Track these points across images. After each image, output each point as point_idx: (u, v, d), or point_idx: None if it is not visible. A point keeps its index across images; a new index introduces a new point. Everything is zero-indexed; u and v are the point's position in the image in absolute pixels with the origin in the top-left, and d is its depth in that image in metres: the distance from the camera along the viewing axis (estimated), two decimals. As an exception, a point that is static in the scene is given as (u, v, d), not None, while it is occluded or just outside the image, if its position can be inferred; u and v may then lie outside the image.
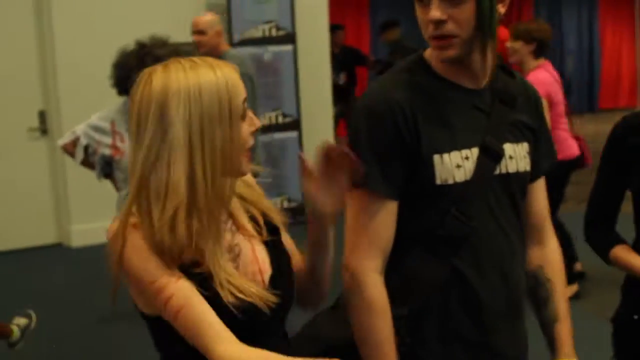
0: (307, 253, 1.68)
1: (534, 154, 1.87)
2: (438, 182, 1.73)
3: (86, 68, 6.28)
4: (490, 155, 1.76)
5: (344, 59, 9.40)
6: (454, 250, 1.77)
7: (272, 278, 1.58)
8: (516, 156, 1.81)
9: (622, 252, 2.19)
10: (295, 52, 6.89)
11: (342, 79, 9.43)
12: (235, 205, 1.59)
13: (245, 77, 5.40)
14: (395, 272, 1.77)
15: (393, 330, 1.74)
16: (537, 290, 1.91)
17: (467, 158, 1.74)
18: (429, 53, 1.81)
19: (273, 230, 1.64)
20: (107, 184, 4.17)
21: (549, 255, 1.94)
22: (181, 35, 6.65)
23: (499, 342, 1.82)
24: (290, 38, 6.86)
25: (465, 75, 1.78)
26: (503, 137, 1.79)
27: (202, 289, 1.45)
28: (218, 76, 1.47)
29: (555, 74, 4.85)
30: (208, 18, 4.91)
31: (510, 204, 1.82)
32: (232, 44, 6.62)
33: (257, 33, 6.75)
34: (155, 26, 6.50)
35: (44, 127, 6.55)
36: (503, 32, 5.27)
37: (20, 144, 6.51)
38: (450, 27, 1.67)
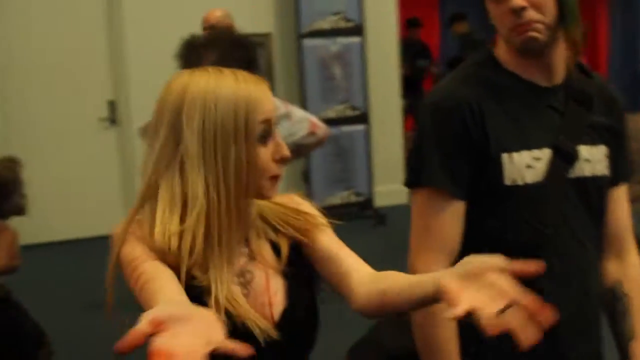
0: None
1: (613, 159, 1.74)
2: (507, 182, 1.63)
3: (156, 58, 6.28)
4: (564, 157, 1.66)
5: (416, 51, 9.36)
6: (525, 258, 1.64)
7: (284, 313, 1.45)
8: (593, 159, 1.70)
9: None
10: (363, 44, 6.80)
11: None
12: (255, 229, 1.49)
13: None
14: None
15: (457, 340, 1.66)
16: (614, 305, 1.80)
17: (538, 159, 1.64)
18: (498, 49, 1.72)
19: (299, 259, 1.51)
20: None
21: (628, 269, 1.82)
22: (250, 24, 6.67)
23: (573, 359, 1.71)
24: (358, 30, 6.77)
25: (538, 71, 1.68)
26: (578, 139, 1.68)
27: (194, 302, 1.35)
28: (239, 89, 1.37)
29: None
30: (219, 13, 4.88)
31: (586, 211, 1.71)
32: (300, 36, 6.58)
33: (325, 25, 6.69)
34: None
35: (113, 117, 6.59)
36: None
37: (90, 134, 6.57)
38: (531, 14, 1.59)
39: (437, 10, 12.78)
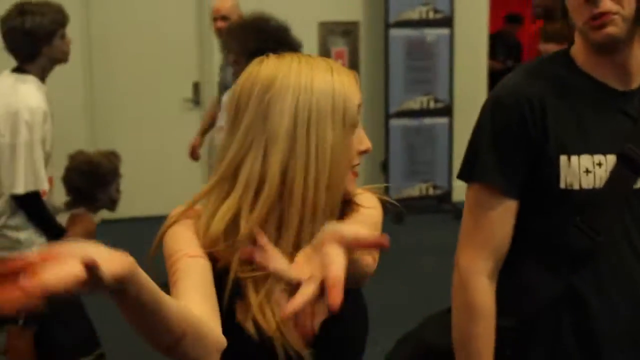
0: None
1: None
2: (562, 185, 1.57)
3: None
4: (630, 166, 1.57)
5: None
6: (574, 265, 1.59)
7: (325, 324, 1.32)
8: None
9: None
10: (451, 37, 6.71)
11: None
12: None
13: None
14: (508, 279, 1.63)
15: (494, 340, 1.61)
16: None
17: (599, 164, 1.56)
18: (574, 48, 1.64)
19: None
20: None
21: None
22: (338, 13, 6.67)
23: None
24: (447, 21, 6.68)
25: (613, 73, 1.59)
26: None
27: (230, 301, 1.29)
28: (334, 75, 1.32)
29: None
30: (230, 4, 4.85)
31: None
32: (388, 25, 6.53)
33: (414, 15, 6.62)
34: (312, 4, 6.56)
35: (197, 99, 6.67)
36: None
37: (174, 114, 6.66)
38: (608, 4, 1.50)
39: (531, 7, 12.54)
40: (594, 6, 1.50)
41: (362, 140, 1.36)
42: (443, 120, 6.72)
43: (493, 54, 7.76)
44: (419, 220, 6.25)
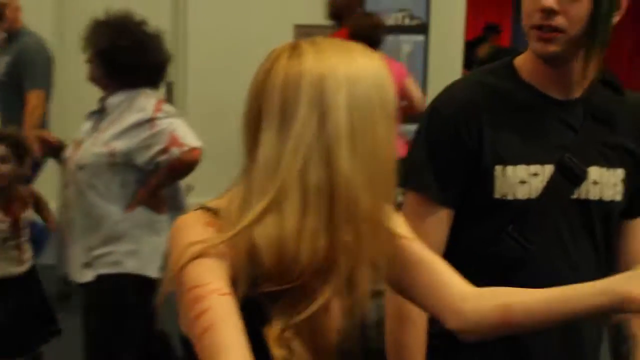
0: None
1: (635, 187, 1.64)
2: (496, 195, 1.57)
3: (217, 43, 6.34)
4: (568, 176, 1.57)
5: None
6: (507, 274, 1.58)
7: (343, 332, 1.26)
8: (603, 182, 1.60)
9: None
10: (426, 43, 6.71)
11: None
12: None
13: (43, 57, 5.24)
14: None
15: (425, 347, 1.63)
16: (617, 344, 1.71)
17: (535, 174, 1.56)
18: (521, 58, 1.64)
19: None
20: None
21: None
22: (312, 16, 6.64)
23: None
24: (423, 28, 6.69)
25: (555, 83, 1.59)
26: (590, 159, 1.59)
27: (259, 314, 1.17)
28: (376, 64, 1.20)
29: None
30: None
31: (587, 236, 1.62)
32: (363, 30, 6.52)
33: (389, 21, 6.62)
34: (287, 7, 6.54)
35: (170, 98, 6.63)
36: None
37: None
38: (560, 21, 1.50)
39: (510, 16, 12.60)
40: (547, 18, 1.51)
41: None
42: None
43: (469, 62, 7.77)
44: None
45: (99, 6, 3.30)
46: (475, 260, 1.62)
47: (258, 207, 1.16)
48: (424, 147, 1.63)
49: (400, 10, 6.64)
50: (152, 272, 2.99)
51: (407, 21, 6.67)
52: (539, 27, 1.53)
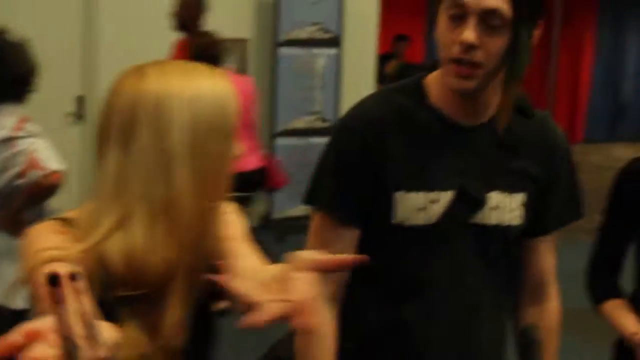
0: None
1: (537, 208, 1.67)
2: (395, 220, 1.58)
3: (129, 55, 6.25)
4: (467, 202, 1.59)
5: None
6: (404, 296, 1.62)
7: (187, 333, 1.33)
8: (503, 207, 1.62)
9: (612, 309, 2.07)
10: (340, 57, 6.76)
11: None
12: None
13: None
14: (348, 302, 1.66)
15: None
16: (524, 351, 1.76)
17: (435, 201, 1.57)
18: (430, 79, 1.64)
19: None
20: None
21: (546, 315, 1.78)
22: (228, 29, 6.62)
23: None
24: (336, 42, 6.73)
25: (463, 109, 1.60)
26: (491, 184, 1.60)
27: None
28: (218, 84, 1.28)
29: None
30: None
31: (485, 259, 1.64)
32: (277, 44, 6.53)
33: (303, 34, 6.65)
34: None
35: (80, 113, 6.52)
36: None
37: (55, 129, 6.50)
38: (479, 56, 1.48)
39: (423, 29, 12.79)
40: (467, 52, 1.49)
41: (237, 147, 1.33)
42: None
43: (382, 76, 7.85)
44: (303, 240, 6.26)
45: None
46: (377, 280, 1.65)
47: (106, 224, 1.22)
48: (330, 165, 1.62)
49: (314, 23, 6.67)
50: (16, 302, 2.64)
51: (320, 35, 6.70)
52: (457, 61, 1.50)
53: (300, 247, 1.46)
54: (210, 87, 1.26)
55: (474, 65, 1.49)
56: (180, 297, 1.28)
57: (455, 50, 1.49)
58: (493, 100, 1.60)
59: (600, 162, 11.85)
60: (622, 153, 12.78)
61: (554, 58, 13.47)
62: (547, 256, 1.77)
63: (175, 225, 1.24)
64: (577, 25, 13.60)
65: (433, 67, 1.65)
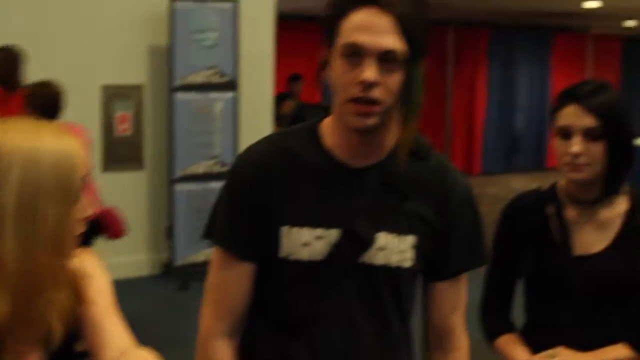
0: None
1: (435, 252, 1.69)
2: (281, 255, 1.63)
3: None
4: (354, 241, 1.61)
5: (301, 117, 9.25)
6: (293, 331, 1.65)
7: None
8: (391, 248, 1.63)
9: (505, 343, 2.13)
10: (236, 100, 6.75)
11: None
12: None
13: None
14: (245, 336, 1.71)
15: None
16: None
17: (320, 238, 1.61)
18: (325, 123, 1.68)
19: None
20: None
21: None
22: (122, 75, 6.55)
23: None
24: (232, 85, 6.73)
25: (356, 151, 1.63)
26: (379, 225, 1.62)
27: None
28: (61, 145, 1.29)
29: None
30: None
31: (374, 299, 1.65)
32: (172, 89, 6.48)
33: (198, 78, 6.62)
34: (95, 67, 6.41)
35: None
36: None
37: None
38: (378, 93, 1.53)
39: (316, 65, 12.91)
40: (367, 90, 1.53)
41: (84, 206, 1.35)
42: (229, 183, 6.68)
43: (279, 116, 7.87)
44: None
45: None
46: (267, 315, 1.69)
47: None
48: (225, 203, 1.69)
49: (209, 67, 6.65)
50: None
51: (216, 79, 6.69)
52: (356, 100, 1.54)
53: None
54: (51, 147, 1.27)
55: (373, 102, 1.54)
56: (25, 349, 1.32)
57: (355, 90, 1.54)
58: (387, 142, 1.65)
59: (497, 193, 12.15)
60: (518, 183, 13.16)
61: (449, 96, 13.86)
62: (449, 301, 1.75)
63: (7, 282, 1.26)
64: (469, 63, 14.02)
65: (329, 107, 1.68)
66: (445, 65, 13.82)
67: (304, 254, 1.62)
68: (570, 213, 2.09)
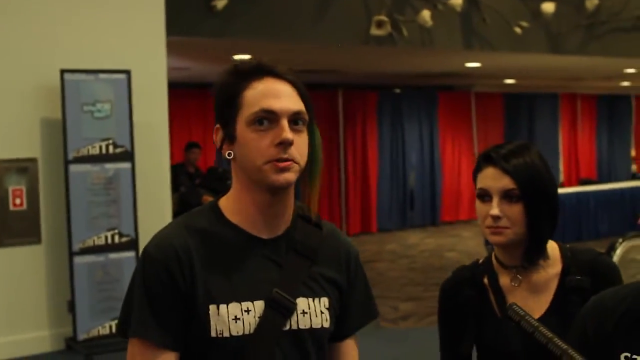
0: None
1: (339, 311, 1.79)
2: (213, 334, 1.64)
3: None
4: (278, 309, 1.68)
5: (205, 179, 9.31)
6: None
7: None
8: (310, 311, 1.72)
9: None
10: (133, 170, 6.74)
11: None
12: None
13: None
14: None
15: None
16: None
17: (247, 311, 1.66)
18: (223, 200, 1.75)
19: None
20: None
21: None
22: (16, 149, 6.45)
23: None
24: (128, 156, 6.71)
25: (260, 222, 1.71)
26: (297, 291, 1.71)
27: None
28: None
29: None
30: None
31: None
32: (67, 161, 6.43)
33: (93, 150, 6.58)
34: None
35: None
36: None
37: None
38: (294, 152, 1.65)
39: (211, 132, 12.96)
40: (282, 151, 1.63)
41: None
42: (130, 254, 6.64)
43: (177, 183, 7.88)
44: (112, 359, 6.09)
45: None
46: None
47: None
48: (140, 291, 1.65)
49: (104, 139, 6.60)
50: None
51: (112, 150, 6.66)
52: (276, 160, 1.63)
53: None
54: None
55: (292, 160, 1.64)
56: None
57: (273, 152, 1.64)
58: (287, 213, 1.74)
59: (395, 250, 12.36)
60: (415, 239, 13.43)
61: (342, 157, 14.09)
62: (352, 356, 1.85)
63: None
64: (359, 124, 14.31)
65: (223, 173, 1.75)
66: (337, 126, 14.10)
67: (236, 329, 1.64)
68: (505, 281, 2.10)
